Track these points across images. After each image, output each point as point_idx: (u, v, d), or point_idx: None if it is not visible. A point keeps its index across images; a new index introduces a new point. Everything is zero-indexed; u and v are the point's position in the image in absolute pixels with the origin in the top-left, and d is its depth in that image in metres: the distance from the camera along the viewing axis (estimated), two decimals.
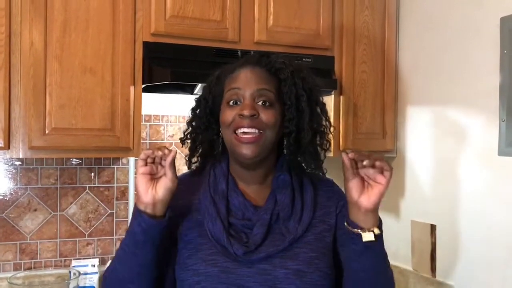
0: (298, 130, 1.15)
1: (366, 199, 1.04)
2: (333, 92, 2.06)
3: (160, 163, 1.08)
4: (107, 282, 1.17)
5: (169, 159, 1.06)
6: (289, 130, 1.15)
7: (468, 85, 1.86)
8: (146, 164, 1.08)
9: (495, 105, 1.73)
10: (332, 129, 1.23)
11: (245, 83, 1.14)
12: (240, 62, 1.19)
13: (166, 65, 1.76)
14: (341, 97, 2.07)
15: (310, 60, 2.01)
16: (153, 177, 1.08)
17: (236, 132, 1.12)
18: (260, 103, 1.13)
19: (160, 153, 1.07)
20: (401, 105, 2.19)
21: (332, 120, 2.04)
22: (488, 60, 1.77)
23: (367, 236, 1.05)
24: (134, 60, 1.77)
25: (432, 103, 2.04)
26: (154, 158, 1.08)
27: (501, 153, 1.72)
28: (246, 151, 1.11)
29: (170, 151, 1.07)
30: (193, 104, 1.24)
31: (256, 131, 1.11)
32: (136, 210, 1.09)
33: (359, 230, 1.05)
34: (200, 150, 1.22)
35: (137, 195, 1.09)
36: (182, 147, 1.24)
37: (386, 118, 2.17)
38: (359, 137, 2.11)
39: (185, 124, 1.25)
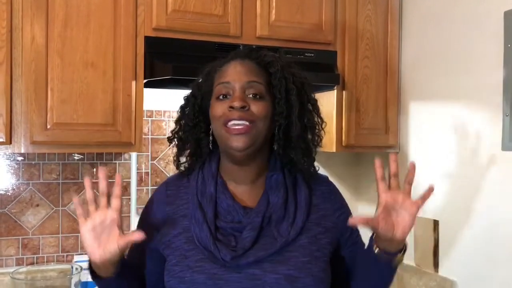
0: (288, 123, 1.13)
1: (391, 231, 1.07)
2: (335, 87, 2.05)
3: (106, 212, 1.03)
4: None
5: (114, 216, 1.02)
6: (279, 123, 1.13)
7: (471, 80, 1.85)
8: (87, 213, 1.02)
9: (498, 100, 1.72)
10: (324, 125, 1.21)
11: (235, 76, 1.12)
12: (229, 56, 1.17)
13: (167, 60, 1.76)
14: (344, 92, 2.07)
15: (312, 55, 2.00)
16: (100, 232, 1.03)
17: (227, 125, 1.09)
18: (250, 95, 1.11)
19: (104, 187, 1.03)
20: (404, 100, 2.18)
21: (334, 115, 2.07)
22: (492, 55, 1.75)
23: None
24: (135, 55, 1.76)
25: (435, 98, 2.02)
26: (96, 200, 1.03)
27: (504, 148, 1.71)
28: (237, 143, 1.08)
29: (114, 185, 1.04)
30: (181, 102, 1.22)
31: (247, 122, 1.08)
32: (88, 265, 1.09)
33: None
34: (188, 149, 1.19)
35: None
36: (169, 146, 1.22)
37: (389, 113, 2.16)
38: (362, 133, 2.11)
39: (174, 122, 1.23)
